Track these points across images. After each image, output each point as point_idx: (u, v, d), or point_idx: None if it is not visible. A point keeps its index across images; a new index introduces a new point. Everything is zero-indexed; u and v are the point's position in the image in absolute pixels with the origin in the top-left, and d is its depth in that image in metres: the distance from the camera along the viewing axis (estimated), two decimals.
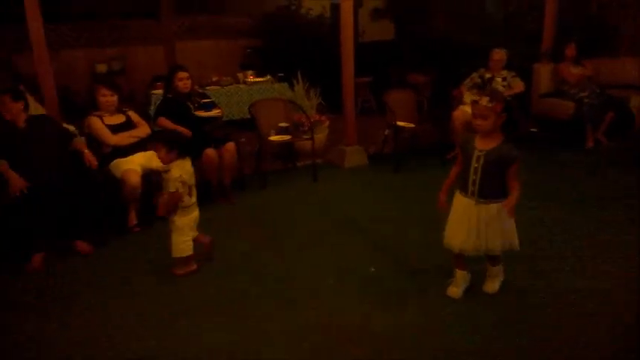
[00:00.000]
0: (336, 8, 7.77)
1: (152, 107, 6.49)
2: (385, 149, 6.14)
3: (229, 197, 4.88)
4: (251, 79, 7.50)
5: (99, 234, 4.01)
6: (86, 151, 4.17)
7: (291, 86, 6.86)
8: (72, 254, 3.83)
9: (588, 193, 4.77)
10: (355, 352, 2.70)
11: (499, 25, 7.59)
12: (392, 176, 5.59)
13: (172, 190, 3.33)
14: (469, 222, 2.95)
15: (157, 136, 3.92)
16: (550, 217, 4.23)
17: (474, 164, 2.91)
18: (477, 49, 6.57)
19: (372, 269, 3.52)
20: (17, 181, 3.72)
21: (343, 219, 4.42)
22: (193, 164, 4.56)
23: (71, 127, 4.43)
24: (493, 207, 2.90)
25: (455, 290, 3.13)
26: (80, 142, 4.26)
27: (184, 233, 3.44)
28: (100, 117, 4.41)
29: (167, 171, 3.37)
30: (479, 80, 6.16)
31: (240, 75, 7.58)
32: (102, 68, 8.29)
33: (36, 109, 4.55)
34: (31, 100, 4.33)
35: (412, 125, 5.86)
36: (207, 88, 6.84)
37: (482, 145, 2.89)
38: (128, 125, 4.50)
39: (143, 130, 4.54)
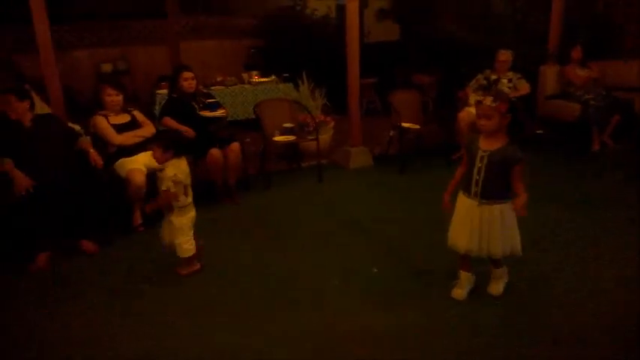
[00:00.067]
0: (341, 9, 7.77)
1: (157, 107, 6.50)
2: (390, 150, 6.13)
3: (234, 197, 4.88)
4: (256, 79, 7.50)
5: (104, 233, 4.02)
6: (92, 150, 4.18)
7: (296, 87, 6.85)
8: (77, 253, 3.84)
9: (592, 195, 4.76)
10: (358, 352, 2.69)
11: (505, 26, 7.56)
12: (397, 177, 5.58)
13: (164, 188, 3.34)
14: (472, 223, 2.94)
15: (157, 136, 3.92)
16: (553, 218, 4.22)
17: (477, 164, 2.90)
18: (483, 49, 6.55)
19: (375, 270, 3.52)
20: (23, 180, 3.74)
21: (348, 220, 4.42)
22: (198, 164, 4.61)
23: (77, 127, 4.44)
24: (496, 208, 2.89)
25: (459, 292, 3.13)
26: (86, 141, 4.27)
27: (185, 233, 3.44)
28: (106, 116, 4.42)
29: (162, 170, 3.39)
30: (484, 82, 6.14)
31: (244, 75, 7.59)
32: (107, 68, 8.31)
33: (42, 108, 4.58)
34: (37, 99, 4.35)
35: (417, 126, 5.84)
36: (212, 88, 6.86)
37: (486, 146, 2.89)
38: (133, 125, 4.52)
39: (148, 129, 4.55)
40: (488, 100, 2.81)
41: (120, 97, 4.47)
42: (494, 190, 2.88)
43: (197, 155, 4.61)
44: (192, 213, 3.50)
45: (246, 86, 7.36)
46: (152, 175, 4.26)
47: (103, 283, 3.47)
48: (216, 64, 8.41)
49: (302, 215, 4.59)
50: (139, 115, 4.63)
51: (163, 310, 3.12)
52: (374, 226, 4.28)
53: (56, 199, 3.75)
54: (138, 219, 4.27)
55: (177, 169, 3.37)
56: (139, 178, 4.12)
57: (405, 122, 5.77)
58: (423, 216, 4.36)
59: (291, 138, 5.56)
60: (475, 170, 2.91)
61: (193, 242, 3.48)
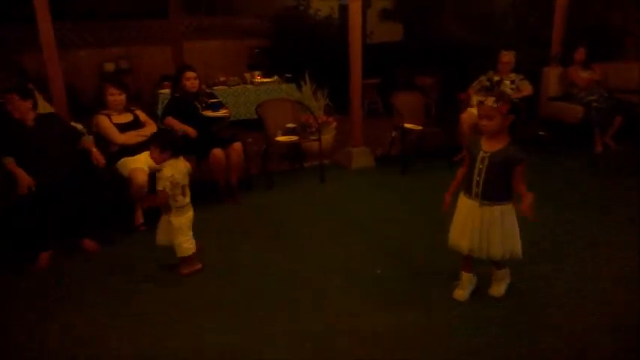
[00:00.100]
0: (344, 9, 7.78)
1: (159, 106, 6.51)
2: (392, 151, 6.13)
3: (236, 197, 4.88)
4: (258, 79, 7.51)
5: (106, 232, 4.03)
6: (94, 149, 4.19)
7: (299, 87, 6.86)
8: (79, 252, 3.85)
9: (592, 195, 4.76)
10: (358, 352, 2.69)
11: (508, 28, 7.55)
12: (399, 178, 5.58)
13: (160, 188, 3.35)
14: (473, 223, 2.94)
15: (154, 136, 3.93)
16: (553, 218, 4.22)
17: (478, 166, 2.90)
18: (486, 51, 6.54)
19: (379, 271, 3.51)
20: (25, 179, 3.74)
21: (349, 220, 4.42)
22: (200, 164, 4.62)
23: (79, 126, 4.45)
24: (496, 209, 2.89)
25: (461, 293, 3.12)
26: (88, 140, 4.28)
27: (184, 232, 3.45)
28: (108, 116, 4.43)
29: (160, 170, 3.39)
30: (487, 83, 6.12)
31: (247, 75, 7.60)
32: (110, 67, 8.33)
33: (44, 107, 4.58)
34: (39, 98, 4.35)
35: (419, 127, 5.84)
36: (215, 88, 6.87)
37: (487, 147, 2.88)
38: (136, 124, 4.52)
39: (150, 129, 4.55)
40: (490, 101, 2.80)
41: (122, 97, 4.47)
42: (495, 191, 2.88)
43: (199, 155, 4.62)
44: (190, 213, 3.50)
45: (249, 86, 7.38)
46: (154, 175, 4.28)
47: (104, 282, 3.47)
48: (219, 64, 8.44)
49: (304, 215, 4.59)
50: (141, 115, 4.64)
51: (165, 310, 3.12)
52: (375, 226, 4.28)
53: (58, 198, 3.76)
54: (139, 218, 4.28)
55: (175, 169, 3.38)
56: (141, 178, 4.13)
57: (407, 123, 5.76)
58: (424, 217, 4.36)
59: (294, 138, 5.57)
60: (476, 171, 2.91)
61: (193, 241, 3.49)
